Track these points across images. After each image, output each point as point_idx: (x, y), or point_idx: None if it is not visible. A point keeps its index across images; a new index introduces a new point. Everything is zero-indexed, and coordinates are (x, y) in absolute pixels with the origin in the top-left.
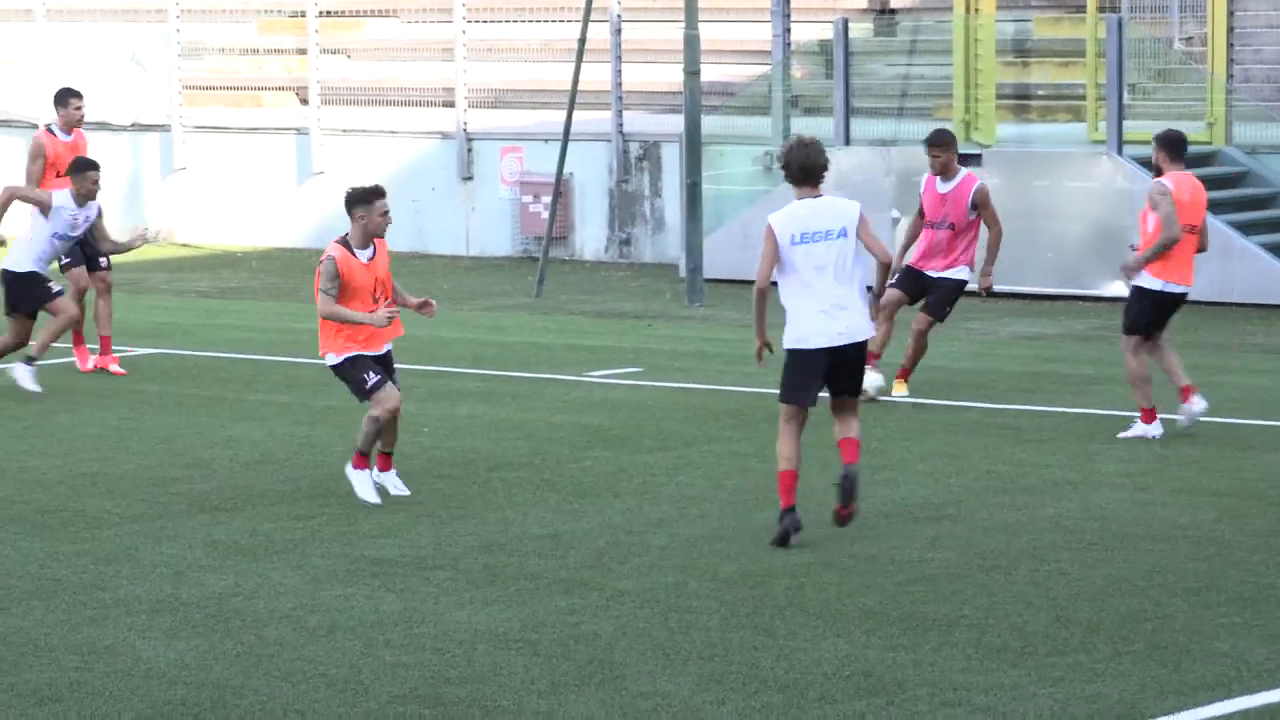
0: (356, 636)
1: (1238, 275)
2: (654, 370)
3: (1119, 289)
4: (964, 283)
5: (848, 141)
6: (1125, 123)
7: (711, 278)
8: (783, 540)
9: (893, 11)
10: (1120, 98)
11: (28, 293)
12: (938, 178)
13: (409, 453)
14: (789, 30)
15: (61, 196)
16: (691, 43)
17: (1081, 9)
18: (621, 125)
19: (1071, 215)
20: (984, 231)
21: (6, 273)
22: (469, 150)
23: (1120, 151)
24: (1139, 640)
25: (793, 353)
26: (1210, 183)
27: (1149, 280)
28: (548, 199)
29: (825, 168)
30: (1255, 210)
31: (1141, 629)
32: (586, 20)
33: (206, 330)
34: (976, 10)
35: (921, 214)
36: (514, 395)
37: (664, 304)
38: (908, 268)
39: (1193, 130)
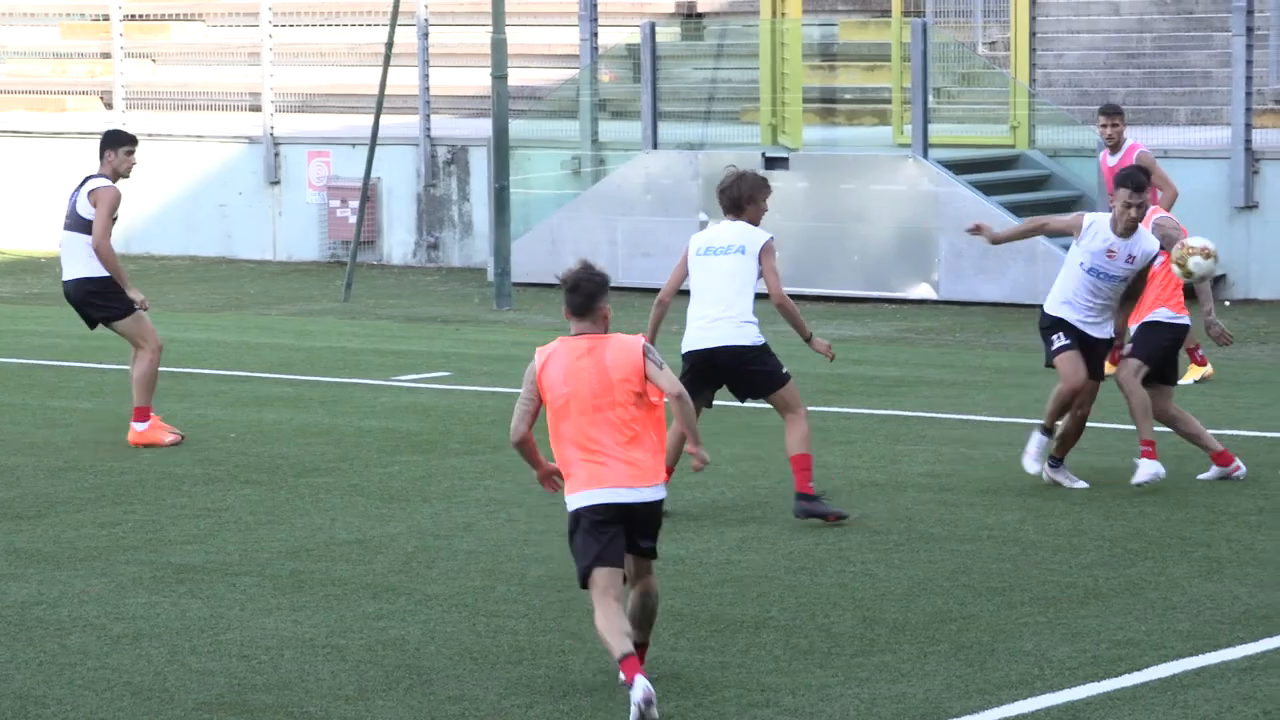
0: (162, 644)
1: (1043, 277)
2: (462, 374)
3: (925, 291)
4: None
5: (655, 145)
6: (930, 126)
7: (519, 282)
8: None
9: (700, 15)
10: (925, 102)
11: None
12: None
13: (214, 458)
14: (596, 34)
15: None
16: (498, 47)
17: (887, 13)
18: (429, 129)
19: (877, 218)
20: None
21: None
22: (276, 155)
23: (925, 155)
24: (944, 640)
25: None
26: (1014, 186)
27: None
28: (355, 203)
29: (747, 200)
30: (1059, 213)
31: (947, 629)
32: (393, 25)
33: (8, 336)
34: (783, 14)
35: None
36: (322, 400)
37: (472, 308)
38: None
39: (997, 134)
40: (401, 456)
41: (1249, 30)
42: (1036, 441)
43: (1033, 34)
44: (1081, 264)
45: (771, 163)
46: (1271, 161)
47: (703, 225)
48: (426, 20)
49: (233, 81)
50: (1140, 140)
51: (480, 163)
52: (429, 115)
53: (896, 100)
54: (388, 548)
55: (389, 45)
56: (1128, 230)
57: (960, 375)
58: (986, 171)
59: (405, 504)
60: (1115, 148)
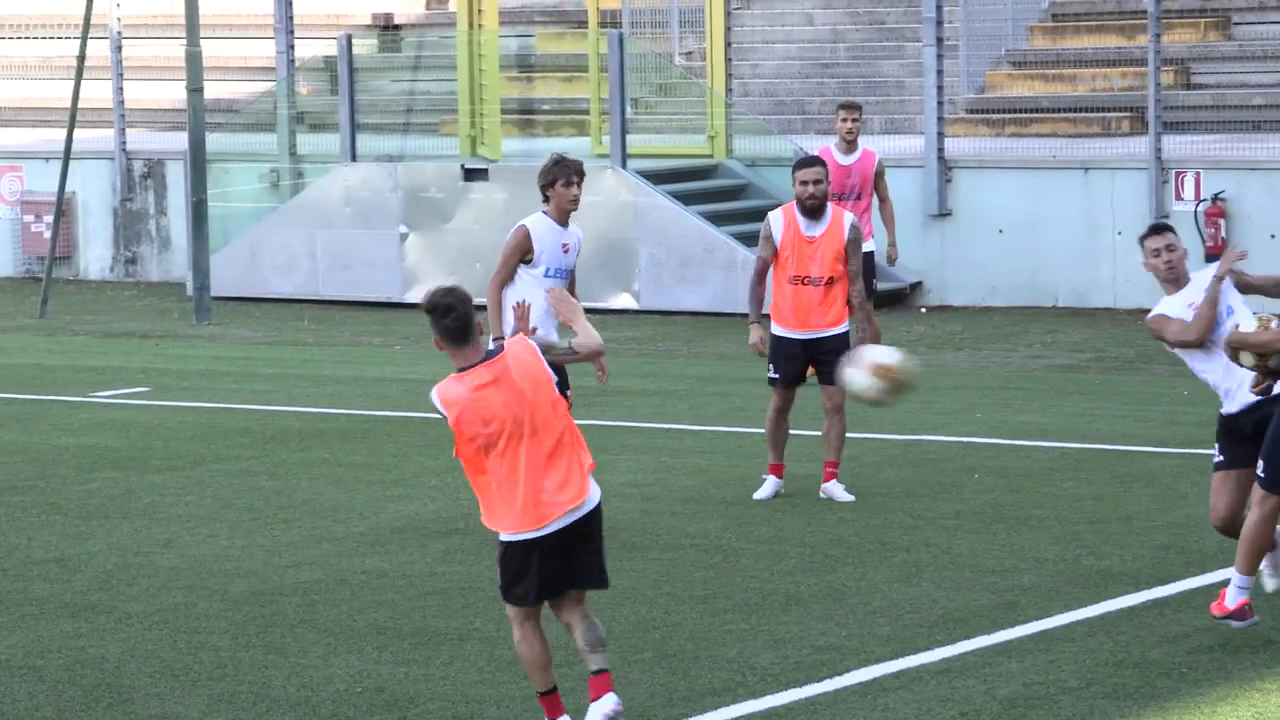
0: None
1: (741, 285)
2: (162, 390)
3: (626, 301)
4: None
5: (354, 158)
6: (628, 137)
7: (219, 295)
8: None
9: (397, 27)
10: (623, 112)
11: None
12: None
13: None
14: (293, 47)
15: None
16: (193, 60)
17: (583, 24)
18: (125, 143)
19: None
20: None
21: None
22: None
23: (625, 165)
24: (648, 648)
25: None
26: (712, 195)
27: None
28: (50, 218)
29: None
30: (756, 222)
31: (650, 637)
32: (85, 37)
33: None
34: (480, 26)
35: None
36: (17, 418)
37: (171, 323)
38: None
39: (694, 144)
40: (101, 473)
41: (939, 40)
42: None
43: (728, 44)
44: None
45: (471, 174)
46: (964, 170)
47: (404, 237)
48: (119, 33)
49: None
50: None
51: (178, 176)
52: (124, 129)
53: (594, 111)
54: (87, 565)
55: (81, 58)
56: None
57: (662, 384)
58: (685, 181)
59: (105, 521)
60: (850, 146)
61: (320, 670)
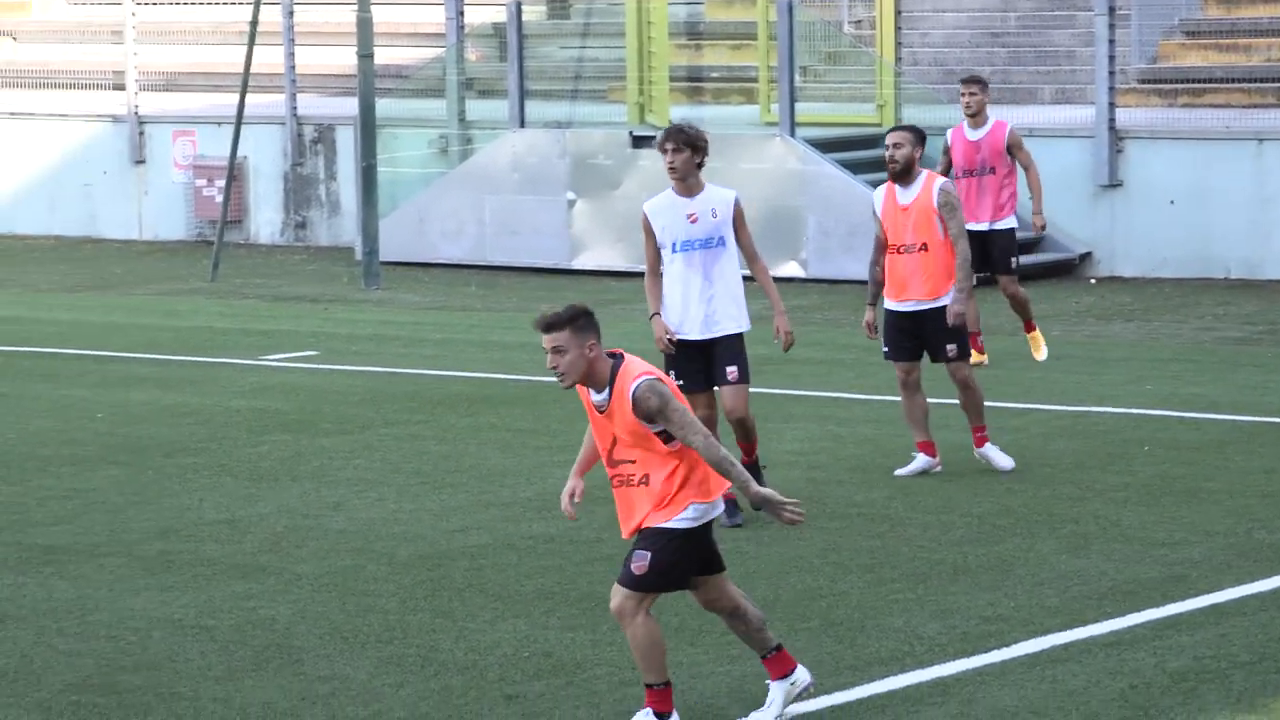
0: (28, 625)
1: None
2: (331, 354)
3: (793, 269)
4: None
5: (522, 124)
6: (797, 105)
7: (387, 260)
8: None
9: None
10: (791, 80)
11: None
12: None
13: (81, 438)
14: (463, 13)
15: None
16: (364, 25)
17: None
18: (295, 108)
19: (745, 197)
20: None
21: None
22: (141, 134)
23: (793, 133)
24: (814, 617)
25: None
26: (880, 164)
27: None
28: (222, 182)
29: None
30: None
31: (816, 606)
32: (258, 3)
33: None
34: None
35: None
36: (189, 380)
37: (340, 287)
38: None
39: (862, 112)
40: (270, 436)
41: (1111, 10)
42: None
43: (898, 13)
44: None
45: (638, 141)
46: (1134, 140)
47: (571, 204)
48: None
49: (96, 59)
50: (1005, 119)
51: (347, 142)
52: (295, 94)
53: (763, 79)
54: (256, 527)
55: (254, 23)
56: None
57: (828, 353)
58: (853, 150)
59: (274, 483)
60: (976, 120)
61: (487, 634)
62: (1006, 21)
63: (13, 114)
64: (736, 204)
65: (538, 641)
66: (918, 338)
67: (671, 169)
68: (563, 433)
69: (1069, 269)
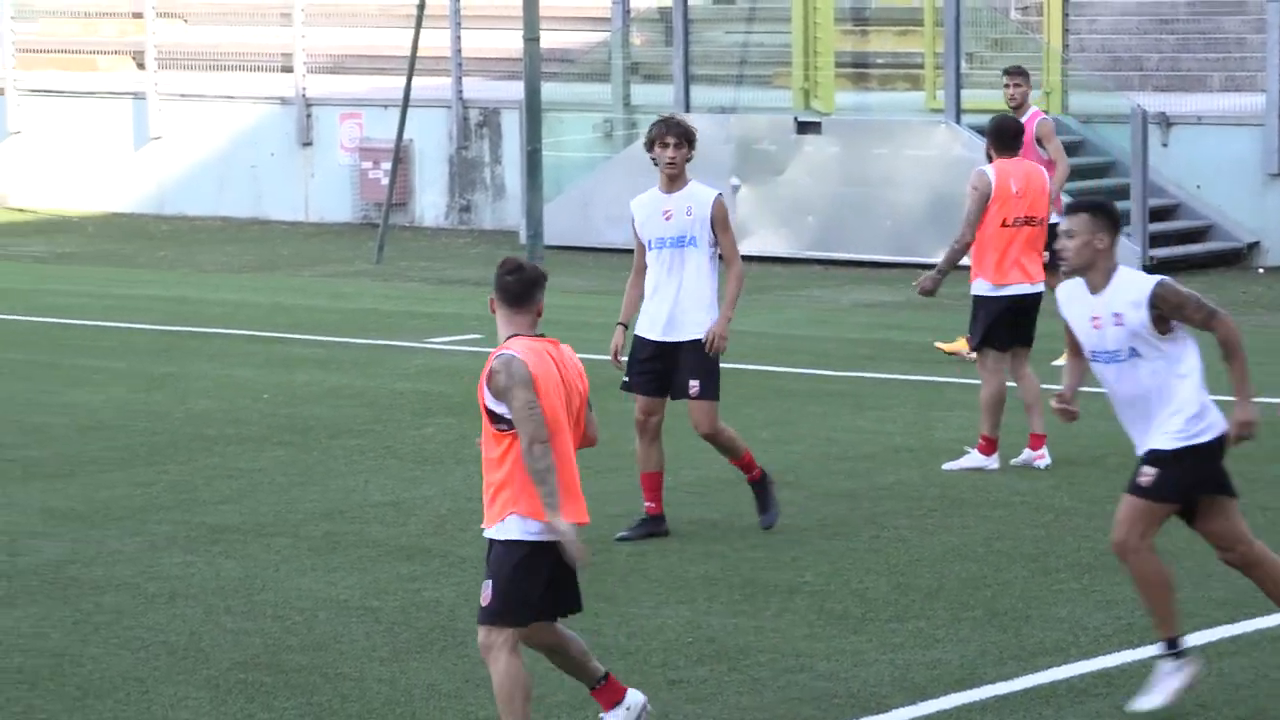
0: (197, 603)
1: None
2: (493, 337)
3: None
4: None
5: (687, 109)
6: (962, 91)
7: (551, 244)
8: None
9: None
10: (958, 67)
11: None
12: None
13: (247, 418)
14: None
15: None
16: (531, 8)
17: None
18: (461, 91)
19: (909, 183)
20: None
21: None
22: (308, 116)
23: (958, 120)
24: (978, 606)
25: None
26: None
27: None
28: (387, 165)
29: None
30: (1091, 179)
31: (980, 595)
32: None
33: (40, 295)
34: None
35: None
36: (354, 362)
37: None
38: None
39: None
40: (435, 419)
41: None
42: None
43: None
44: None
45: (804, 127)
46: None
47: (735, 189)
48: None
49: (264, 42)
50: (1174, 107)
51: (512, 125)
52: (461, 77)
53: (929, 65)
54: (421, 510)
55: (421, 7)
56: None
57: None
58: None
59: (439, 466)
60: (1019, 112)
61: (651, 619)
62: (1176, 8)
63: (183, 95)
64: (717, 203)
65: (701, 627)
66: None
67: (671, 164)
68: (726, 418)
69: (1237, 258)
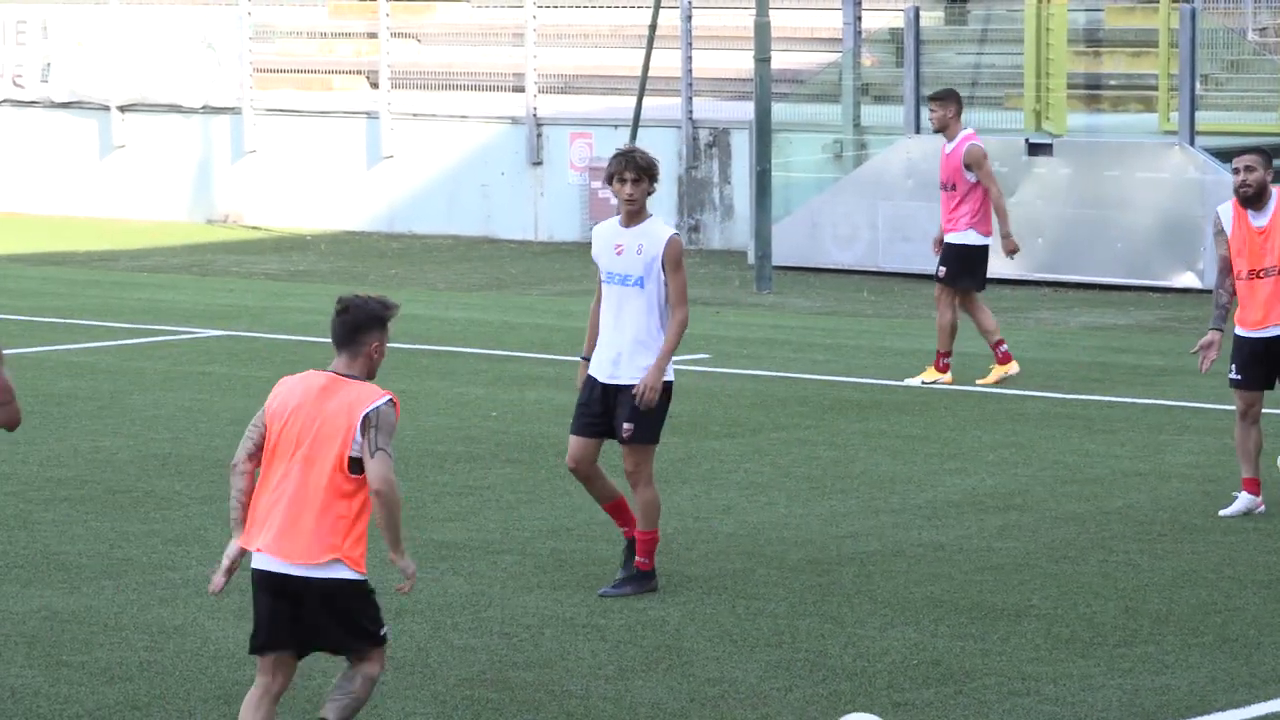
0: (424, 619)
1: None
2: (722, 357)
3: (1189, 280)
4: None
5: (918, 130)
6: (1197, 113)
7: (780, 265)
8: None
9: (964, 0)
10: (1193, 88)
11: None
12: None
13: (476, 436)
14: (860, 18)
15: None
16: (762, 30)
17: None
18: (691, 112)
19: (1142, 206)
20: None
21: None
22: (538, 135)
23: (1193, 142)
24: (1209, 632)
25: None
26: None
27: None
28: None
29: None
30: None
31: (1211, 621)
32: (657, 6)
33: (275, 313)
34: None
35: None
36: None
37: (732, 291)
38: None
39: (1265, 121)
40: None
41: None
42: None
43: None
44: None
45: (1035, 149)
46: None
47: None
48: (690, 2)
49: (496, 62)
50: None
51: (741, 145)
52: (691, 98)
53: (1163, 87)
54: None
55: (652, 27)
56: None
57: (1225, 365)
58: None
59: (665, 485)
60: (945, 134)
61: (877, 641)
62: None
63: (415, 114)
64: (670, 243)
65: (927, 649)
66: (1272, 367)
67: (630, 200)
68: (954, 440)
69: None
